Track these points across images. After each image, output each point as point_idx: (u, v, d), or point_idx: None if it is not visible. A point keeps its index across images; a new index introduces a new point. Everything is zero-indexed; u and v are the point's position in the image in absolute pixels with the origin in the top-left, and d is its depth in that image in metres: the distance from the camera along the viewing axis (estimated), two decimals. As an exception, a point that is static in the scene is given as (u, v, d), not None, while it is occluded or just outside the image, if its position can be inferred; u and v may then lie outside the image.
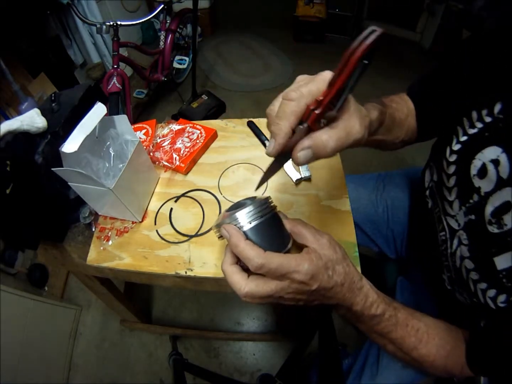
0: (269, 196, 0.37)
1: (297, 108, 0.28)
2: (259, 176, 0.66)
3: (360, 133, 0.29)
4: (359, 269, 0.50)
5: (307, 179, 0.63)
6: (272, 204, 0.36)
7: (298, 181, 0.62)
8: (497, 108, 0.37)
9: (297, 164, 0.31)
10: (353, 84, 0.26)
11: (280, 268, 0.30)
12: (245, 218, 0.33)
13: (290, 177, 0.62)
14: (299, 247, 0.36)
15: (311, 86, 0.29)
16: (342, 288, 0.34)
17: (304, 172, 0.62)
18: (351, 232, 0.55)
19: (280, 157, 0.32)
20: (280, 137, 0.29)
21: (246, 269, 0.34)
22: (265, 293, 0.32)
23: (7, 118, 1.45)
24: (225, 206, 0.61)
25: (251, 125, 0.75)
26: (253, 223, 0.33)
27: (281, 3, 2.72)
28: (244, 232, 0.33)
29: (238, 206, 0.37)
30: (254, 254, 0.31)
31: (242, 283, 0.32)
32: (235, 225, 0.33)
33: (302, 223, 0.36)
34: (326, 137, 0.28)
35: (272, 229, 0.35)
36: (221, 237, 0.35)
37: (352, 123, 0.29)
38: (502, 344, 0.36)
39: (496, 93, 0.37)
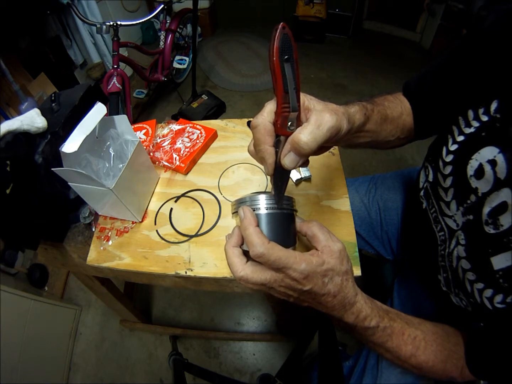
0: (293, 198, 0.38)
1: (264, 129, 0.32)
2: (259, 176, 0.66)
3: (331, 121, 0.31)
4: (359, 269, 0.50)
5: (307, 179, 0.63)
6: (293, 205, 0.38)
7: (298, 181, 0.62)
8: (494, 106, 0.36)
9: (289, 169, 0.33)
10: (294, 81, 0.29)
11: (278, 261, 0.31)
12: (265, 203, 0.35)
13: (290, 178, 0.62)
14: (310, 249, 0.36)
15: (269, 106, 0.32)
16: (333, 299, 0.35)
17: (304, 172, 0.62)
18: (351, 232, 0.55)
19: (280, 171, 0.34)
20: (267, 158, 0.33)
21: (246, 253, 0.34)
22: (259, 280, 0.33)
23: (7, 118, 1.45)
24: (225, 206, 0.61)
25: (251, 125, 0.75)
26: (269, 211, 0.35)
27: (281, 3, 2.72)
28: (257, 215, 0.34)
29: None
30: (258, 242, 0.31)
31: (239, 267, 0.33)
32: (253, 205, 0.35)
33: (318, 226, 0.36)
34: (298, 135, 0.30)
35: (283, 225, 0.36)
36: (234, 213, 0.37)
37: (320, 115, 0.31)
38: (500, 346, 0.36)
39: (493, 91, 0.37)
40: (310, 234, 0.36)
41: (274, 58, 0.28)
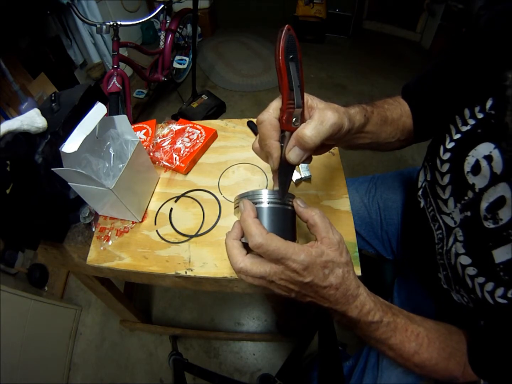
0: (296, 196, 0.38)
1: (270, 124, 0.33)
2: (259, 176, 0.66)
3: (334, 118, 0.32)
4: (359, 269, 0.50)
5: (307, 179, 0.63)
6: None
7: (298, 181, 0.62)
8: (489, 104, 0.37)
9: (294, 163, 0.34)
10: (298, 79, 0.31)
11: (277, 251, 0.31)
12: (266, 197, 0.36)
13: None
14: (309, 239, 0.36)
15: (274, 103, 0.34)
16: (336, 292, 0.34)
17: (304, 172, 0.62)
18: (351, 232, 0.55)
19: (285, 166, 0.35)
20: (273, 152, 0.34)
21: (246, 246, 0.35)
22: (258, 272, 0.33)
23: (7, 118, 1.45)
24: (225, 206, 0.61)
25: (251, 125, 0.75)
26: (270, 205, 0.35)
27: (281, 3, 2.72)
28: (259, 209, 0.35)
29: None
30: (256, 232, 0.31)
31: (239, 258, 0.33)
32: (255, 199, 0.36)
33: (319, 216, 0.36)
34: (303, 130, 0.32)
35: (284, 220, 0.36)
36: (236, 208, 0.38)
37: (323, 113, 0.32)
38: (502, 344, 0.36)
39: (488, 90, 0.37)
40: (312, 222, 0.35)
41: (280, 58, 0.30)
